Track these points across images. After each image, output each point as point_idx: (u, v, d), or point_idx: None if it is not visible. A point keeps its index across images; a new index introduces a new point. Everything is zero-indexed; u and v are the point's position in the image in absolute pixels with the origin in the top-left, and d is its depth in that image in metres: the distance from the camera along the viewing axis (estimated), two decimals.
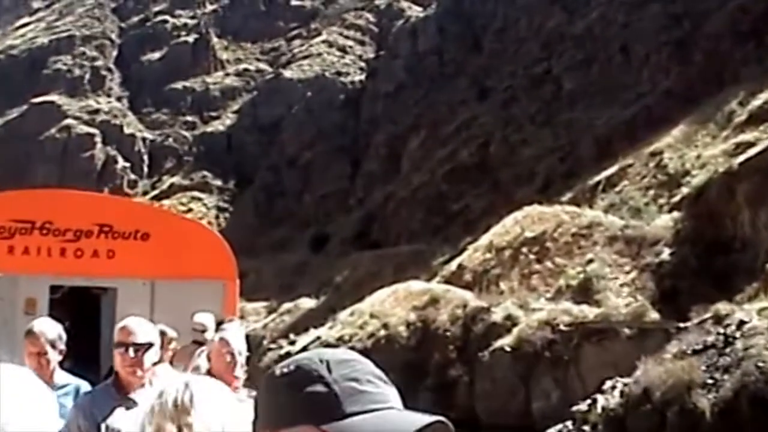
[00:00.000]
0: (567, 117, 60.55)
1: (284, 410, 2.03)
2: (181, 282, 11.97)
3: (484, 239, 45.43)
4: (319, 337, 43.73)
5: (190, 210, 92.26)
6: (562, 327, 34.60)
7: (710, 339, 27.42)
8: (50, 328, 7.01)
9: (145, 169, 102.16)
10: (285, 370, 2.09)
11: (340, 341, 41.61)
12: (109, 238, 12.01)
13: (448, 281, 43.83)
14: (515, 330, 35.78)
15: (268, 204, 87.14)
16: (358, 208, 75.77)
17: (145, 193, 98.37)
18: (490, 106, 68.73)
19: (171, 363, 9.80)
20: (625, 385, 30.04)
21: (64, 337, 7.10)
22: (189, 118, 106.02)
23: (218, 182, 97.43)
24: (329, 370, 2.01)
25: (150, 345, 6.22)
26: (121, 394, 6.22)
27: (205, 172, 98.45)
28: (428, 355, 38.20)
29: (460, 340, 37.62)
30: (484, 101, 70.35)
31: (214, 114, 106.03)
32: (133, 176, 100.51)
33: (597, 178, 48.63)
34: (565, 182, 52.34)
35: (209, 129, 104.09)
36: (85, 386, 7.25)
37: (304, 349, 43.33)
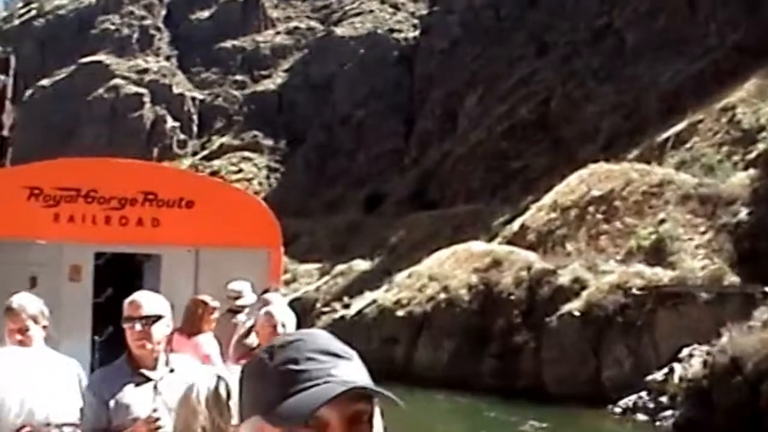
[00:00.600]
0: (631, 72, 58.17)
1: (243, 403, 2.09)
2: (225, 250, 12.17)
3: (548, 198, 43.36)
4: (375, 301, 41.93)
5: (240, 170, 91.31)
6: (634, 291, 32.60)
7: None
8: (31, 303, 6.60)
9: (195, 129, 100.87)
10: (246, 364, 2.15)
11: (397, 305, 39.84)
12: (153, 206, 12.14)
13: (510, 242, 41.82)
14: (584, 294, 33.83)
15: (320, 163, 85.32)
16: (413, 168, 73.75)
17: (194, 154, 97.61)
18: (550, 62, 66.40)
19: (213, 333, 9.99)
20: (708, 353, 28.34)
21: (47, 312, 6.68)
22: (239, 78, 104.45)
23: (269, 142, 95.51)
24: (271, 357, 2.01)
25: (158, 317, 5.98)
26: (133, 370, 6.05)
27: (256, 132, 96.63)
28: (491, 319, 36.26)
29: (524, 304, 35.66)
30: (544, 56, 67.99)
31: (264, 73, 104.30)
32: (182, 136, 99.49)
33: (665, 135, 46.41)
34: (630, 139, 50.12)
35: (259, 88, 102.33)
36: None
37: (359, 312, 41.63)
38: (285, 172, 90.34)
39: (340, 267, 56.15)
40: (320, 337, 2.06)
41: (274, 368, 1.99)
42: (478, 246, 41.09)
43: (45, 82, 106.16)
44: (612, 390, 30.87)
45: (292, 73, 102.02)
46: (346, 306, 46.33)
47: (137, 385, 5.95)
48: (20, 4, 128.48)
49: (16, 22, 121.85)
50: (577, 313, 33.18)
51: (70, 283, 12.02)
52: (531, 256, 37.76)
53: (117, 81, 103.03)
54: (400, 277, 43.13)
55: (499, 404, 31.88)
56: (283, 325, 6.83)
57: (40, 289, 9.57)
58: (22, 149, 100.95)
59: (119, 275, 12.32)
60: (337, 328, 40.97)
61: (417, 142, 76.96)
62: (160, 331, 5.95)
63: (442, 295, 37.87)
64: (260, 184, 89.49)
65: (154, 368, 5.98)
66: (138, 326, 5.88)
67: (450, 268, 39.62)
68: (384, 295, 41.76)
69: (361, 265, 55.33)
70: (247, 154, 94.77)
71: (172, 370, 5.99)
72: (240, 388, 2.11)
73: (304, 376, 1.96)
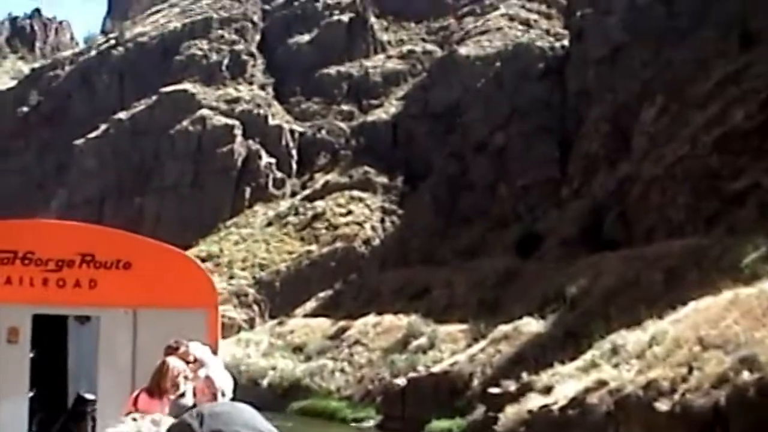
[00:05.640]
0: None
1: None
2: (163, 310, 12.09)
3: None
4: (603, 382, 25.48)
5: (349, 212, 79.71)
6: None
7: None
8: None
9: (294, 165, 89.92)
10: (173, 424, 2.22)
11: (649, 389, 23.42)
12: (91, 268, 12.19)
13: None
14: None
15: (451, 200, 70.84)
16: (575, 199, 58.24)
17: (294, 194, 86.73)
18: (764, 53, 50.13)
19: None
20: None
21: None
22: (345, 107, 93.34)
23: (383, 179, 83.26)
24: (201, 424, 2.18)
25: None
26: None
27: (367, 168, 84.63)
28: None
29: None
30: (754, 48, 51.71)
31: (375, 102, 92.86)
32: (279, 174, 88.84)
33: None
34: None
35: (370, 118, 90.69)
36: None
37: (575, 401, 25.96)
38: (405, 213, 77.60)
39: (502, 328, 40.46)
40: (245, 412, 2.19)
41: None
42: None
43: (122, 115, 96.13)
44: None
45: (407, 100, 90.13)
46: (527, 387, 30.55)
47: None
48: (101, 40, 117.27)
49: (93, 53, 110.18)
50: None
51: (8, 344, 11.96)
52: None
53: (204, 112, 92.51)
54: (631, 341, 27.03)
55: None
56: (223, 394, 6.93)
57: None
58: (97, 190, 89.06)
59: (41, 337, 12.07)
60: (539, 425, 25.69)
61: (578, 168, 61.18)
62: None
63: (746, 375, 21.29)
64: (373, 228, 75.82)
65: None
66: None
67: (741, 328, 23.15)
68: (615, 374, 25.49)
69: (532, 325, 39.68)
70: (356, 193, 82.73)
71: None
72: None
73: None
